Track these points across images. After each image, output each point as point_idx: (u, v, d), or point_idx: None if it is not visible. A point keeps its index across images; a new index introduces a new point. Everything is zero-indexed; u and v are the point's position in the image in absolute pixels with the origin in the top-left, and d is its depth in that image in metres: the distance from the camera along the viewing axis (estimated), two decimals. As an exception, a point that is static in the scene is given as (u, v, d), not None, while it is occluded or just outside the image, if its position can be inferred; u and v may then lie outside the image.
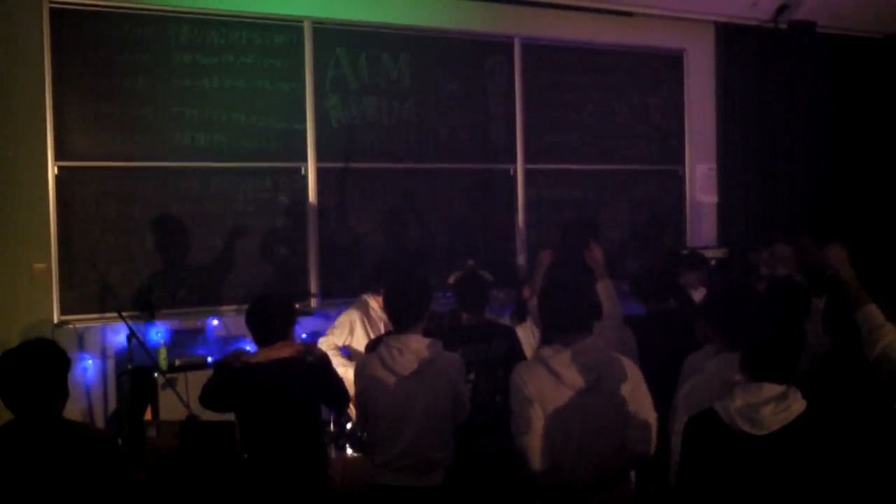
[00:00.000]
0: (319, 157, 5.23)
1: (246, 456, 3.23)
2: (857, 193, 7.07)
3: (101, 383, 4.70)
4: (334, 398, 3.43)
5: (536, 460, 2.72)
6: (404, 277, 3.46)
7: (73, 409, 4.42)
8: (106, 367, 4.71)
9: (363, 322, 4.45)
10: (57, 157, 4.59)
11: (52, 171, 4.58)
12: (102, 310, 4.67)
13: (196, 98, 4.90)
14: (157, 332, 4.75)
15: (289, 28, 5.15)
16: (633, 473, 2.90)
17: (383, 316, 4.28)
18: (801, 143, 6.85)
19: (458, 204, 5.69)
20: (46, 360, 2.59)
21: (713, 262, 5.71)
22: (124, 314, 4.34)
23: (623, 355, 2.95)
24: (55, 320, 4.58)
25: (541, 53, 5.94)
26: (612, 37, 6.15)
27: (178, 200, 4.87)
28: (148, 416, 4.29)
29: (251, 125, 5.04)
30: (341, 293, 5.20)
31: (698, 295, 4.48)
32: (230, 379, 3.21)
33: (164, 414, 4.22)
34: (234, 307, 4.94)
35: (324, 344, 4.32)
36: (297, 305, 4.19)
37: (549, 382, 2.74)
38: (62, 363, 2.63)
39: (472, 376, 3.47)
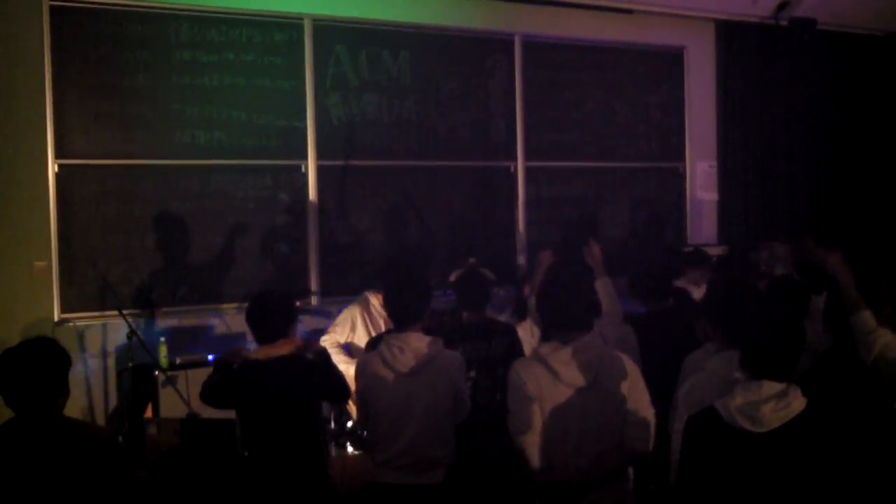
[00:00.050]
0: (320, 154, 5.23)
1: (246, 454, 3.23)
2: (857, 190, 7.07)
3: (102, 381, 4.70)
4: (335, 393, 3.43)
5: (535, 459, 2.72)
6: (404, 276, 3.45)
7: (74, 407, 4.42)
8: (106, 364, 4.71)
9: (364, 318, 4.46)
10: (57, 155, 4.59)
11: (52, 168, 4.58)
12: (103, 308, 4.67)
13: (196, 96, 4.90)
14: (158, 330, 4.74)
15: (289, 25, 5.14)
16: (631, 471, 2.90)
17: (384, 313, 4.28)
18: (802, 141, 6.84)
19: (459, 201, 5.69)
20: (47, 358, 2.60)
21: (715, 259, 5.71)
22: (125, 312, 4.35)
23: (623, 353, 2.95)
24: (55, 318, 4.59)
25: (541, 51, 5.93)
26: (612, 34, 6.14)
27: (179, 198, 4.87)
28: (148, 413, 4.28)
29: (251, 123, 5.04)
30: (341, 291, 5.19)
31: (701, 292, 4.48)
32: (230, 375, 3.22)
33: (165, 412, 4.23)
34: (234, 305, 4.94)
35: (326, 342, 4.35)
36: (297, 303, 4.19)
37: (547, 380, 2.73)
38: (63, 361, 2.64)
39: (472, 374, 3.47)
